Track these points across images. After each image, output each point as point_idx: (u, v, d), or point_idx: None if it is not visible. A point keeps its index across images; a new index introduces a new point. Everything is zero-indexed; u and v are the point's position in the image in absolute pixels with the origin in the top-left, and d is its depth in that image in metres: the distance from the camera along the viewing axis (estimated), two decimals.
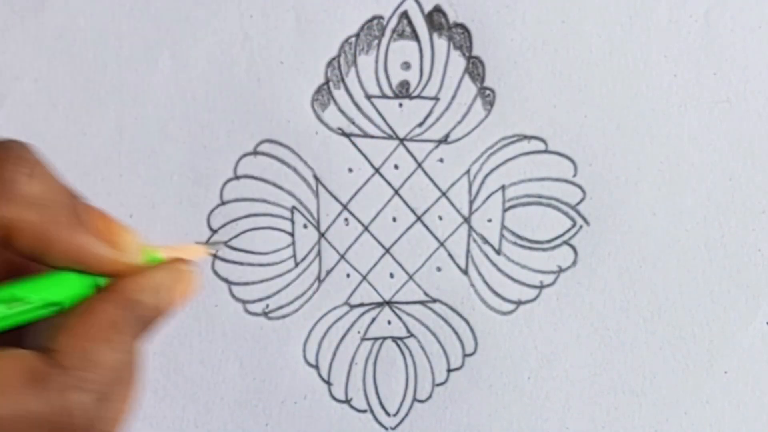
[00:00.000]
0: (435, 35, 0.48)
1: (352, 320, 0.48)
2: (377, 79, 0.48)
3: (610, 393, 0.47)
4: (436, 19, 0.48)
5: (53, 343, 0.37)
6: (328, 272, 0.48)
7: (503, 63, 0.47)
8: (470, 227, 0.48)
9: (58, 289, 0.38)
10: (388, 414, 0.48)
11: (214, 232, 0.48)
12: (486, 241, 0.48)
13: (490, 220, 0.48)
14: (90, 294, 0.38)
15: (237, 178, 0.48)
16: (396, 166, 0.48)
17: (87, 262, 0.38)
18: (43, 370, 0.36)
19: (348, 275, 0.48)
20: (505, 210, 0.48)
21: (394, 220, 0.48)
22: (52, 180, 0.38)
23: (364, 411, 0.48)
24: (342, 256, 0.48)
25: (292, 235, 0.48)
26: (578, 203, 0.47)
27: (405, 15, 0.48)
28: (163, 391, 0.48)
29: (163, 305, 0.39)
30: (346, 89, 0.48)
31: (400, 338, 0.48)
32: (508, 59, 0.47)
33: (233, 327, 0.48)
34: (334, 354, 0.48)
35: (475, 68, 0.48)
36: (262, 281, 0.48)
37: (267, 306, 0.48)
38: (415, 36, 0.48)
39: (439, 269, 0.48)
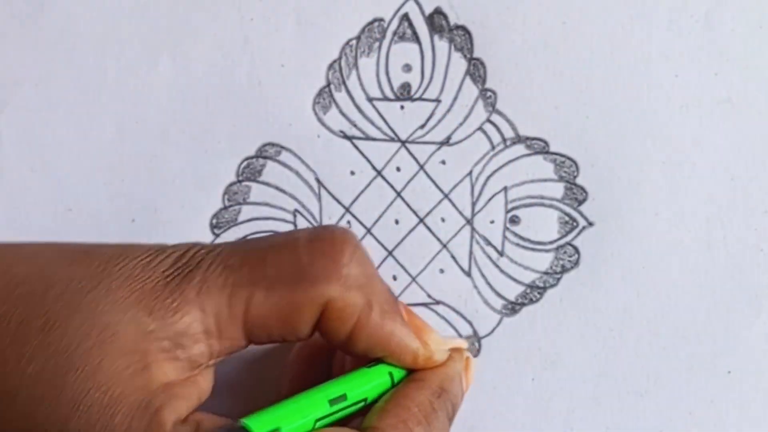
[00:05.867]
0: (436, 37, 0.48)
1: None
2: (378, 81, 0.48)
3: (613, 394, 0.47)
4: (436, 21, 0.48)
5: (377, 423, 0.38)
6: None
7: (504, 64, 0.47)
8: (473, 229, 0.48)
9: (369, 385, 0.39)
10: None
11: (216, 236, 0.48)
12: (489, 243, 0.48)
13: (492, 222, 0.48)
14: (387, 386, 0.40)
15: (239, 181, 0.48)
16: (398, 169, 0.48)
17: (394, 352, 0.40)
18: None
19: None
20: (507, 211, 0.48)
21: (397, 222, 0.48)
22: (369, 265, 0.39)
23: None
24: None
25: None
26: (581, 204, 0.47)
27: (406, 17, 0.48)
28: None
29: (462, 392, 0.42)
30: (348, 92, 0.48)
31: None
32: (510, 61, 0.47)
33: None
34: None
35: (476, 70, 0.48)
36: None
37: None
38: (416, 38, 0.48)
39: (442, 271, 0.48)
